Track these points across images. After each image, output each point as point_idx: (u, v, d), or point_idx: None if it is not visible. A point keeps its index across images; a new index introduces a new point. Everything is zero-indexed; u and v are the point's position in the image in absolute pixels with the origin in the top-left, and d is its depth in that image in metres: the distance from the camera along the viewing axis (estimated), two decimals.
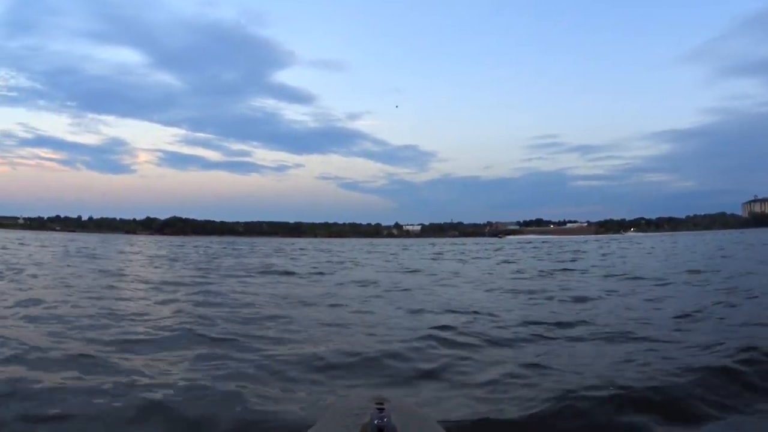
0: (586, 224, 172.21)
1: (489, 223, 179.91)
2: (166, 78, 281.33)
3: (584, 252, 38.32)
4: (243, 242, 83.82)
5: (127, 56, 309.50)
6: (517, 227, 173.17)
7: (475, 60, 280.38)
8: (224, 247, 53.06)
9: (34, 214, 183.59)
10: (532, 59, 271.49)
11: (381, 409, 1.67)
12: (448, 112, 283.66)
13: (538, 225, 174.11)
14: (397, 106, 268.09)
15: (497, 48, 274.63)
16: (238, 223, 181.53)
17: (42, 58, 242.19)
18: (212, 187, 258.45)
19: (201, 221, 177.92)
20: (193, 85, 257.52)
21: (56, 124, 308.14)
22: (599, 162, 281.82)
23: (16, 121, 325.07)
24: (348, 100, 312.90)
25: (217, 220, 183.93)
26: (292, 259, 31.55)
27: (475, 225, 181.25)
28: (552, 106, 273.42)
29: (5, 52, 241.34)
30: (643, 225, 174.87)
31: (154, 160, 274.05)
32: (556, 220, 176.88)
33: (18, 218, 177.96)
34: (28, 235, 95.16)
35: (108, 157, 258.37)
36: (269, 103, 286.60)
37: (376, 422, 1.62)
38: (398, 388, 5.27)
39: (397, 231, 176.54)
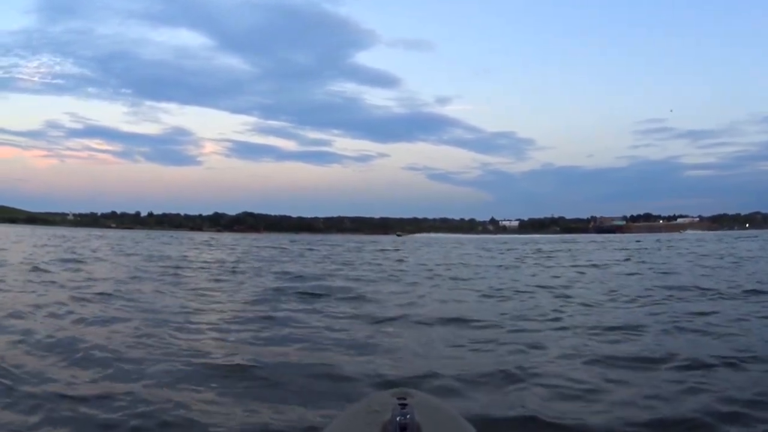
0: (697, 219, 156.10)
1: (593, 218, 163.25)
2: (232, 62, 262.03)
3: None
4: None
5: (187, 39, 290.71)
6: (623, 222, 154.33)
7: (574, 38, 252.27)
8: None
9: (85, 210, 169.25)
10: (637, 37, 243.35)
11: (404, 405, 1.51)
12: (546, 95, 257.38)
13: (646, 220, 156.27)
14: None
15: (599, 25, 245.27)
16: (317, 218, 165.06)
17: (90, 43, 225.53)
18: (287, 180, 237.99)
19: (275, 217, 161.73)
20: (263, 69, 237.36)
21: (109, 113, 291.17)
22: (711, 149, 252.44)
23: (64, 111, 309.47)
24: (436, 83, 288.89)
25: (294, 215, 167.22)
26: None
27: (578, 220, 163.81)
28: (659, 87, 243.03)
29: (47, 37, 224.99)
30: (759, 220, 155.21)
31: (222, 150, 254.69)
32: (666, 215, 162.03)
33: (67, 214, 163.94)
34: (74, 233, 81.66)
35: (170, 147, 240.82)
36: (349, 88, 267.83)
37: (398, 419, 1.46)
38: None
39: (493, 227, 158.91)
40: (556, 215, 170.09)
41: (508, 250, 40.14)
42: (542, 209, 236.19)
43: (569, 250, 39.79)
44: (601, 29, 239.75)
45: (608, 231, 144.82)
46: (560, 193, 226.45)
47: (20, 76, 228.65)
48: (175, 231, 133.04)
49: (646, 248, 39.36)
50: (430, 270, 20.18)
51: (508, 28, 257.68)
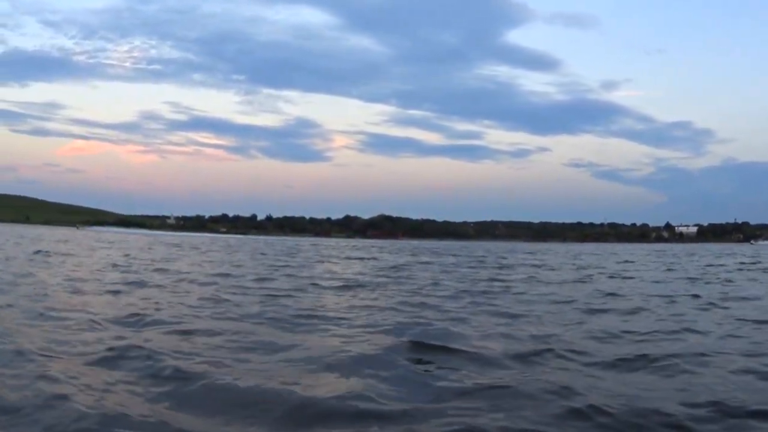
0: None
1: None
2: (364, 43, 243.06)
3: None
4: None
5: (309, 17, 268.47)
6: None
7: (761, 14, 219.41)
8: None
9: (190, 212, 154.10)
10: None
11: None
12: (727, 79, 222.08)
13: None
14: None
15: None
16: (466, 223, 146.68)
17: (194, 23, 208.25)
18: (431, 178, 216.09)
19: (417, 221, 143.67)
20: (401, 51, 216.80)
21: (220, 102, 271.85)
22: None
23: (163, 100, 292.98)
24: (601, 66, 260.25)
25: (439, 219, 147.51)
26: None
27: (763, 226, 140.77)
28: None
29: (140, 17, 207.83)
30: None
31: (354, 144, 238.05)
32: None
33: (168, 217, 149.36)
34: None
35: (293, 141, 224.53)
36: (501, 71, 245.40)
37: None
38: None
39: (668, 234, 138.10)
40: (739, 220, 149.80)
41: None
42: (723, 213, 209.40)
43: None
44: None
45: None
46: (743, 193, 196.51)
47: (108, 61, 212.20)
48: (298, 237, 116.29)
49: None
50: None
51: (685, 1, 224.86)
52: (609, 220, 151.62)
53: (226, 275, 18.91)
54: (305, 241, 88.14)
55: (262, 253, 39.50)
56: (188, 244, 57.32)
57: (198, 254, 35.00)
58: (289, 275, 19.82)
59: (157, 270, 20.19)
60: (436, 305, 11.81)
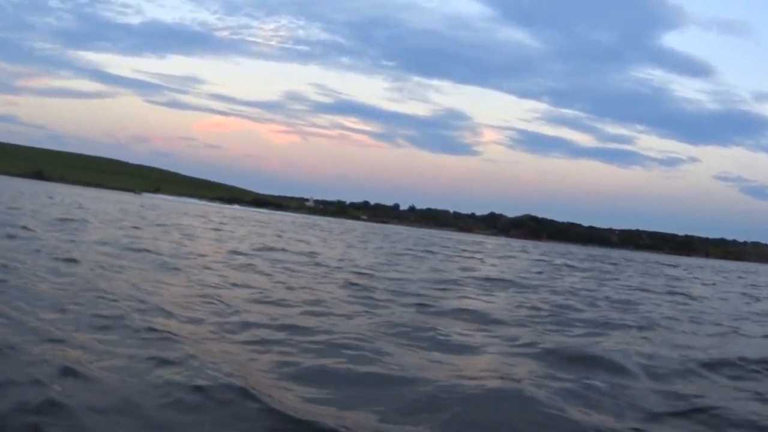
0: None
1: None
2: (518, 36, 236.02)
3: None
4: None
5: (462, 6, 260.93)
6: None
7: None
8: None
9: (331, 197, 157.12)
10: None
11: None
12: None
13: None
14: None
15: None
16: (611, 230, 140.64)
17: (344, 6, 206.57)
18: (579, 181, 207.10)
19: (562, 224, 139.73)
20: (555, 46, 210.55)
21: (367, 87, 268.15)
22: None
23: (308, 82, 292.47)
24: (754, 76, 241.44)
25: (584, 224, 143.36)
26: None
27: None
28: None
29: None
30: None
31: (504, 140, 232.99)
32: None
33: (307, 200, 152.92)
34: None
35: (441, 132, 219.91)
36: (656, 75, 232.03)
37: None
38: None
39: None
40: None
41: None
42: None
43: None
44: None
45: None
46: None
47: (252, 39, 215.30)
48: (440, 230, 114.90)
49: None
50: None
51: None
52: (753, 239, 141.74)
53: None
54: (448, 236, 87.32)
55: (393, 242, 38.61)
56: (321, 227, 57.59)
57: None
58: (433, 269, 19.05)
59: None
60: (583, 312, 10.89)
